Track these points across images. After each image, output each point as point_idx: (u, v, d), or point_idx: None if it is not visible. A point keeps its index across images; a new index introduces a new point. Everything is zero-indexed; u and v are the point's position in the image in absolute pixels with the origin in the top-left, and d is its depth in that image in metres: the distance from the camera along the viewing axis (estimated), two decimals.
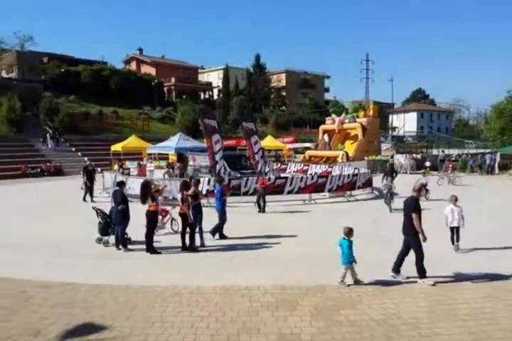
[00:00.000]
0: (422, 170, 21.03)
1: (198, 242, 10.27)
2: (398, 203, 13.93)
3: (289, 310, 6.41)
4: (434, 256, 8.19)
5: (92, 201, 17.55)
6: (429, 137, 49.98)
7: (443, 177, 23.53)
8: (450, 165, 24.61)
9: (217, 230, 11.18)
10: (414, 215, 7.50)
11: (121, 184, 10.93)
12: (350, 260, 7.40)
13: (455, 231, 9.76)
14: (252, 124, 22.18)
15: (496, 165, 29.93)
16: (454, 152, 37.62)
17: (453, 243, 9.77)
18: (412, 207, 7.65)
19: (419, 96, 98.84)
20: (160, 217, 11.35)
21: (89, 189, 18.24)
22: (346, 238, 7.54)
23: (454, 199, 9.94)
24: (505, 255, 9.30)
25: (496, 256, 9.16)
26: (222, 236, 11.20)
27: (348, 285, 7.44)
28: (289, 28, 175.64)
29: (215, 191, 11.86)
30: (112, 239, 10.45)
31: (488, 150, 34.92)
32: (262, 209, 15.22)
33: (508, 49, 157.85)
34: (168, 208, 12.26)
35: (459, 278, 7.77)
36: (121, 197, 10.25)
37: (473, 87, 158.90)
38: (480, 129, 54.33)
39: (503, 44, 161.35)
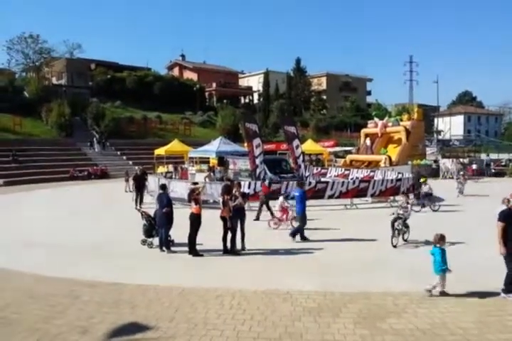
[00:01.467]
0: (422, 179, 17.87)
1: (239, 245, 10.32)
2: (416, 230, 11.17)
3: (331, 316, 6.32)
4: (485, 265, 7.85)
5: (140, 207, 17.27)
6: (477, 141, 48.12)
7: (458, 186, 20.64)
8: (461, 173, 22.87)
9: (297, 232, 11.45)
10: (497, 223, 7.03)
11: (164, 187, 11.19)
12: (442, 268, 7.05)
13: None
14: (294, 128, 22.15)
15: None
16: (503, 156, 36.00)
17: None
18: (499, 216, 7.10)
19: (466, 99, 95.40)
20: (282, 214, 13.20)
21: (138, 196, 17.93)
22: (438, 246, 7.22)
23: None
24: None
25: None
26: (304, 239, 11.38)
27: (431, 295, 7.11)
28: (330, 31, 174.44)
29: (296, 194, 11.90)
30: (156, 240, 10.70)
31: None
32: (257, 217, 14.30)
33: None
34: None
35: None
36: (166, 200, 10.49)
37: None
38: None
39: None
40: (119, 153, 39.09)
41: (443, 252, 7.15)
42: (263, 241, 11.31)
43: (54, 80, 52.90)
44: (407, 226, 10.93)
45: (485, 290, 7.16)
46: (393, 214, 10.97)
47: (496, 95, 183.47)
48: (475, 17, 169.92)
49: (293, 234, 11.43)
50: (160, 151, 30.89)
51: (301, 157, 21.90)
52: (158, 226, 10.52)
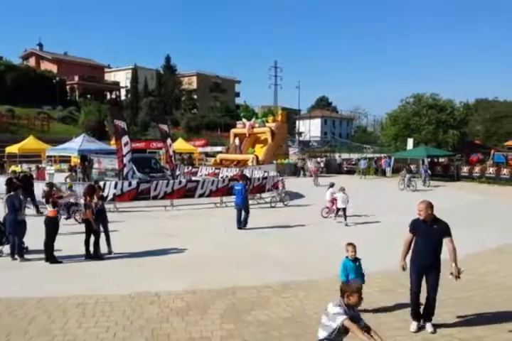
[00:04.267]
0: (69, 184, 15.61)
1: (104, 249, 9.83)
2: None
3: (199, 313, 6.40)
4: (332, 251, 8.51)
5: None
6: (332, 142, 52.96)
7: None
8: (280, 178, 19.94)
9: (246, 222, 12.65)
10: (408, 233, 6.04)
11: (16, 188, 10.12)
12: (342, 279, 6.17)
13: (343, 211, 13.44)
14: (166, 126, 21.99)
15: (390, 168, 32.32)
16: (354, 156, 40.21)
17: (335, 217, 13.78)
18: (409, 225, 6.02)
19: (322, 104, 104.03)
20: (330, 204, 14.28)
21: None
22: (346, 256, 6.40)
23: (343, 189, 13.68)
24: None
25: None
26: (242, 227, 12.49)
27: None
28: (200, 31, 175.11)
29: (239, 187, 12.89)
30: (6, 248, 9.60)
31: (383, 155, 37.73)
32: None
33: (407, 62, 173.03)
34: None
35: None
36: (18, 203, 9.48)
37: (370, 96, 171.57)
38: (377, 135, 58.69)
39: (401, 57, 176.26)
40: None
41: (344, 263, 6.37)
42: (129, 243, 10.91)
43: None
44: None
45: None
46: None
47: (348, 101, 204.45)
48: (331, 26, 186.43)
49: (243, 225, 12.56)
50: (12, 149, 27.96)
51: (173, 156, 21.80)
52: (9, 233, 9.44)
